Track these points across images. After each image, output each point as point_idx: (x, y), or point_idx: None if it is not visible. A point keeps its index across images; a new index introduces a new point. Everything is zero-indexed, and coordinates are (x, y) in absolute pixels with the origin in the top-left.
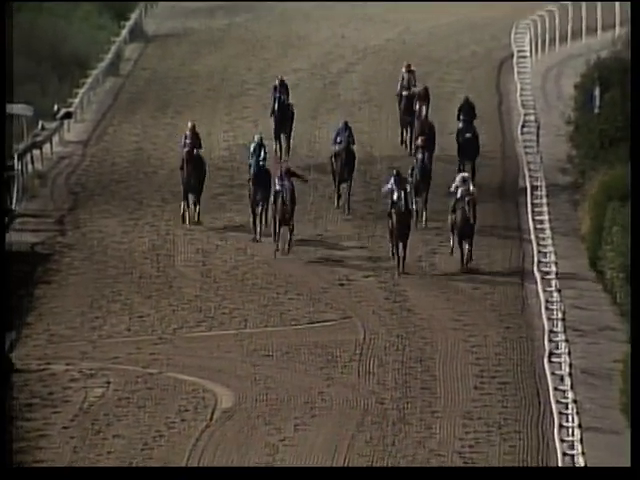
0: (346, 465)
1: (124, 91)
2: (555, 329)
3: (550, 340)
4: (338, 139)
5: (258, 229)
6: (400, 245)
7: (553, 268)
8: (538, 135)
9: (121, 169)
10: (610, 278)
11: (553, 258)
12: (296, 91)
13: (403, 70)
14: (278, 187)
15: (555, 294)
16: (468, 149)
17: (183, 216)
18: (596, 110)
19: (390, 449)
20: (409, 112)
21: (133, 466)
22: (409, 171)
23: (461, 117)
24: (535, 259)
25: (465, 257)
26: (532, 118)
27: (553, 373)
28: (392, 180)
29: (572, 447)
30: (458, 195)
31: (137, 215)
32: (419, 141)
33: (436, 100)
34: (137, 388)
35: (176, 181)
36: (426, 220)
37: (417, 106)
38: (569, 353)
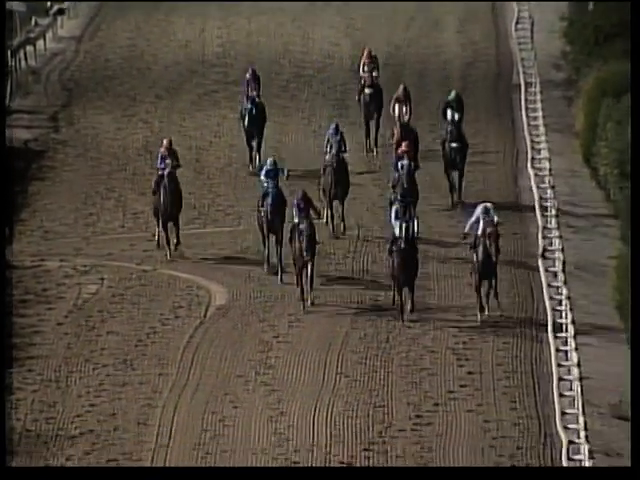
0: (340, 362)
1: None
2: (549, 226)
3: (544, 237)
4: (329, 146)
5: (269, 260)
6: (404, 290)
7: (547, 165)
8: (532, 31)
9: (115, 65)
10: (604, 174)
11: (547, 154)
12: None
13: (364, 57)
14: (296, 219)
15: (549, 191)
16: (455, 158)
17: (159, 243)
18: (590, 6)
19: (384, 346)
20: (374, 107)
21: (134, 466)
22: (390, 184)
23: (448, 116)
24: (529, 156)
25: (487, 299)
26: (526, 14)
27: (547, 269)
28: (394, 209)
29: (565, 343)
30: (480, 229)
31: (131, 112)
32: (403, 146)
33: None
34: (131, 285)
35: (170, 78)
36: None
37: (396, 110)
38: (562, 249)
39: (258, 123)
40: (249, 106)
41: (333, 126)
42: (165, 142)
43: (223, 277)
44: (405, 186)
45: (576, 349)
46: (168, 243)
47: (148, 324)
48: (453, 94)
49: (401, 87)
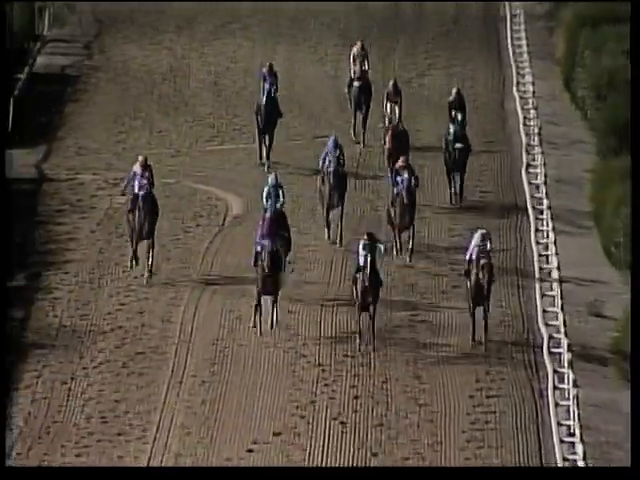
0: (345, 264)
1: None
2: (532, 143)
3: (527, 153)
4: (327, 159)
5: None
6: (367, 316)
7: (530, 88)
8: None
9: None
10: (582, 97)
11: (531, 79)
12: None
13: (354, 50)
14: (258, 247)
15: (532, 112)
16: (458, 159)
17: (131, 265)
18: None
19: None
20: (362, 101)
21: (135, 466)
22: (389, 201)
23: (452, 120)
24: (514, 80)
25: (483, 327)
26: None
27: (530, 182)
28: (361, 245)
29: (546, 248)
30: (474, 256)
31: (155, 40)
32: (400, 162)
33: None
34: (157, 197)
35: (190, 10)
36: (411, 254)
37: (388, 108)
38: (544, 164)
39: (272, 118)
40: (264, 101)
41: (332, 138)
42: (140, 159)
43: (239, 189)
44: (405, 202)
45: (557, 254)
46: (137, 263)
47: (172, 231)
48: (453, 94)
49: (391, 83)
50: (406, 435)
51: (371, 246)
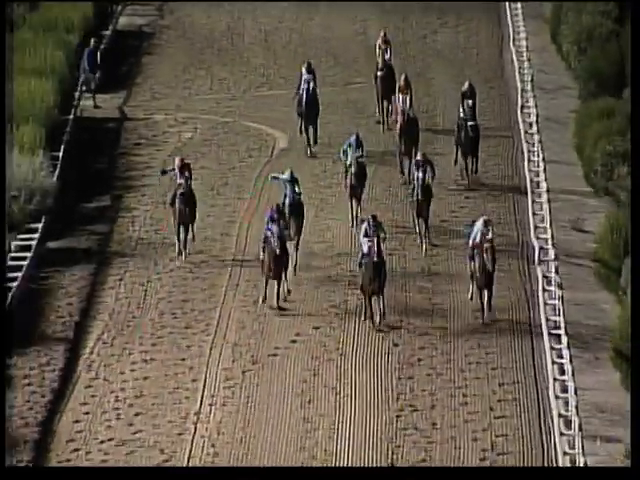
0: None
1: None
2: (526, 88)
3: (522, 96)
4: (348, 154)
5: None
6: (375, 299)
7: (524, 43)
8: None
9: None
10: (566, 50)
11: (524, 35)
12: None
13: (379, 41)
14: (268, 233)
15: (526, 62)
16: (471, 137)
17: (179, 253)
18: None
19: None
20: (386, 93)
21: (135, 466)
22: (409, 191)
23: (464, 106)
24: (511, 36)
25: (485, 307)
26: None
27: (524, 120)
28: (364, 227)
29: (537, 175)
30: (477, 240)
31: (216, 4)
32: (418, 156)
33: None
34: (217, 132)
35: None
36: (427, 244)
37: (400, 99)
38: (536, 106)
39: (314, 111)
40: (305, 97)
41: (354, 137)
42: (177, 160)
43: (285, 127)
44: (419, 197)
45: (546, 179)
46: (185, 248)
47: (229, 161)
48: (466, 85)
49: (402, 77)
50: (422, 328)
51: (376, 228)
